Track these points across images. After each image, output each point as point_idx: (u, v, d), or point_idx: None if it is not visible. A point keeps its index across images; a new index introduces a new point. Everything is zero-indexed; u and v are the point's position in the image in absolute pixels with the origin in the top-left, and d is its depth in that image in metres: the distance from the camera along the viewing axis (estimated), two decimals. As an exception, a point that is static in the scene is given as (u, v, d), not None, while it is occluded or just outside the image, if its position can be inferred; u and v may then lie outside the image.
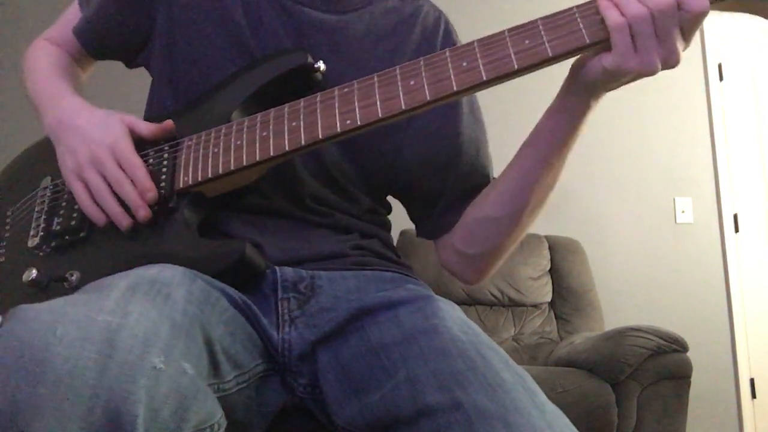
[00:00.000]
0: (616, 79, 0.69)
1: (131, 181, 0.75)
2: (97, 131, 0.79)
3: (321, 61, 0.81)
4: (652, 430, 2.16)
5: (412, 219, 0.93)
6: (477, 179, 0.89)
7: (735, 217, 3.37)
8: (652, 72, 0.66)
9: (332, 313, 0.74)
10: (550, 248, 2.94)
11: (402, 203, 0.93)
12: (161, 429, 0.49)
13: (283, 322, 0.73)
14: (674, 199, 3.31)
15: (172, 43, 0.86)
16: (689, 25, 0.66)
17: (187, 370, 0.53)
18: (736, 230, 3.36)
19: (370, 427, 0.64)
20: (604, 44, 0.68)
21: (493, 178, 0.90)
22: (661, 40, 0.65)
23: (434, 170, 0.88)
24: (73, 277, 0.76)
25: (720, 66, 3.45)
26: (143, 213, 0.75)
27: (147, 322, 0.53)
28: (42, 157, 0.89)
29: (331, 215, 0.83)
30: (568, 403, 2.04)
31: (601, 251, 3.10)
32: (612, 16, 0.66)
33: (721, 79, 3.44)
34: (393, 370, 0.65)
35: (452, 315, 0.71)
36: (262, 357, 0.71)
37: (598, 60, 0.68)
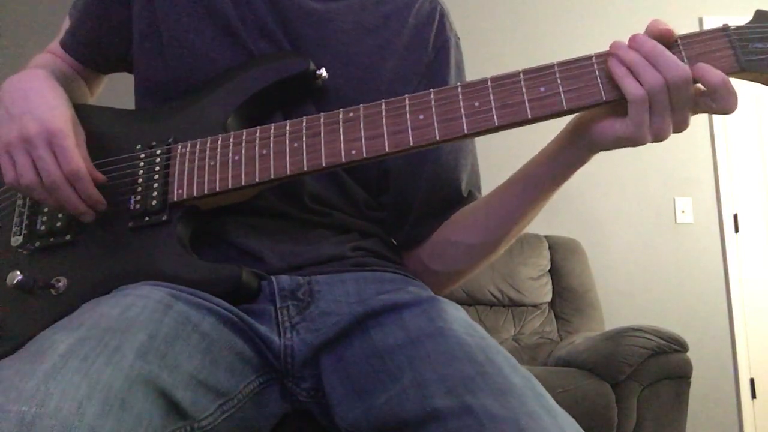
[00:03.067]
0: (626, 145, 0.67)
1: (67, 179, 0.72)
2: (44, 108, 0.75)
3: (323, 69, 0.78)
4: (652, 430, 2.16)
5: (388, 229, 0.89)
6: (447, 191, 0.86)
7: (735, 217, 3.37)
8: (663, 139, 0.65)
9: (335, 318, 0.72)
10: (550, 248, 2.94)
11: (380, 203, 0.89)
12: None
13: (284, 329, 0.72)
14: (674, 199, 3.31)
15: (156, 37, 0.82)
16: (708, 110, 0.64)
17: None
18: (736, 230, 3.36)
19: (376, 431, 0.63)
20: (621, 102, 0.65)
21: (470, 193, 0.88)
22: (675, 111, 0.64)
23: (411, 173, 0.85)
24: (60, 284, 0.74)
25: (720, 66, 3.44)
26: (89, 218, 0.74)
27: (70, 404, 0.50)
28: None
29: (330, 214, 0.81)
30: (568, 403, 2.02)
31: (601, 251, 3.10)
32: (631, 88, 0.63)
33: (721, 79, 3.43)
34: (399, 374, 0.63)
35: (457, 317, 0.70)
36: (257, 371, 0.69)
37: (611, 126, 0.67)
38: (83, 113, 0.82)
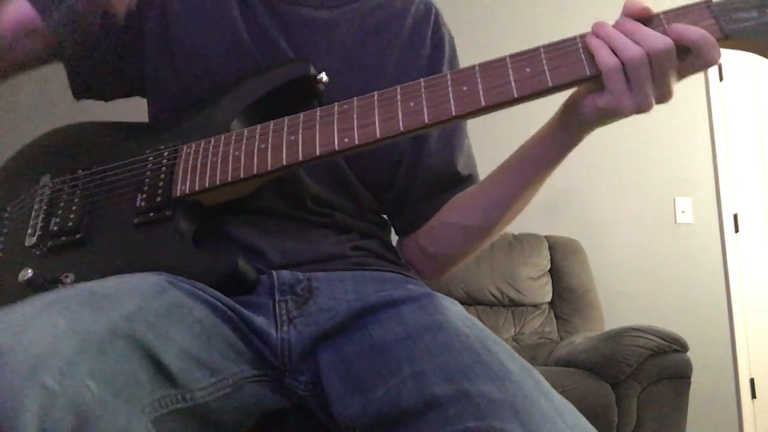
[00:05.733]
0: (611, 118, 0.70)
1: None
2: None
3: (323, 73, 0.81)
4: (652, 430, 2.16)
5: (387, 215, 0.92)
6: (442, 169, 0.89)
7: (735, 217, 3.37)
8: (646, 110, 0.67)
9: (332, 313, 0.73)
10: (550, 248, 2.94)
11: (382, 199, 0.91)
12: None
13: (282, 323, 0.73)
14: (674, 199, 3.31)
15: (169, 50, 0.85)
16: (694, 70, 0.67)
17: (91, 388, 0.51)
18: (736, 230, 3.36)
19: (375, 423, 0.64)
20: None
21: (470, 176, 0.91)
22: (657, 81, 0.66)
23: (411, 157, 0.88)
24: (68, 279, 0.75)
25: (720, 66, 3.43)
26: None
27: (46, 338, 0.51)
28: (43, 153, 0.89)
29: (331, 215, 0.83)
30: (568, 403, 2.04)
31: (601, 251, 3.10)
32: (604, 59, 0.66)
33: (721, 79, 3.44)
34: (397, 367, 0.64)
35: (454, 311, 0.70)
36: (250, 364, 0.70)
37: (592, 99, 0.69)
38: (97, 128, 0.87)
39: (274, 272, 0.76)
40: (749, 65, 3.48)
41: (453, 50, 0.94)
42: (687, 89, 3.56)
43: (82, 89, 0.90)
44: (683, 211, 3.31)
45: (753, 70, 3.49)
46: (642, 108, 0.67)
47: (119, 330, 0.56)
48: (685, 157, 3.32)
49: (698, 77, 3.43)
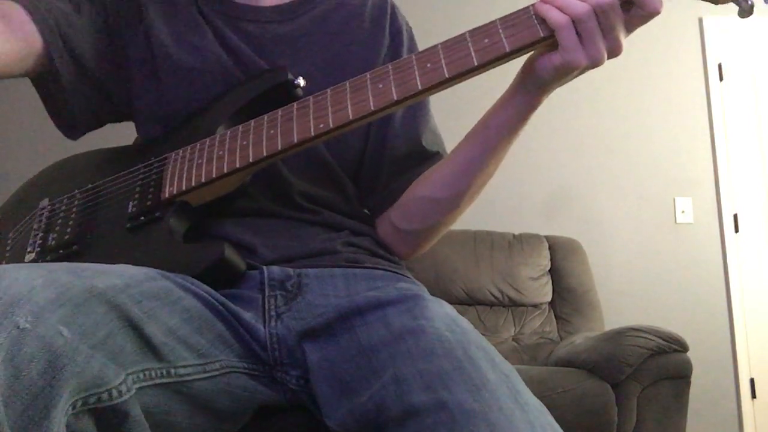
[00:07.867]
0: (567, 74, 0.72)
1: None
2: None
3: (300, 78, 0.84)
4: (652, 430, 2.16)
5: (361, 196, 0.94)
6: (408, 145, 0.92)
7: (735, 217, 3.37)
8: (599, 63, 0.70)
9: (320, 310, 0.75)
10: (550, 248, 2.94)
11: (357, 181, 0.94)
12: (28, 387, 0.49)
13: (270, 318, 0.74)
14: (674, 199, 3.31)
15: (155, 74, 0.88)
16: (640, 21, 0.70)
17: (64, 334, 0.53)
18: (736, 230, 3.36)
19: (363, 428, 0.65)
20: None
21: (437, 153, 0.93)
22: (606, 34, 0.69)
23: (378, 139, 0.91)
24: None
25: (720, 66, 3.44)
26: None
27: (23, 285, 0.53)
28: (43, 182, 0.94)
29: (321, 213, 0.85)
30: (568, 403, 2.04)
31: (601, 251, 3.10)
32: (554, 17, 0.69)
33: (721, 79, 3.44)
34: (381, 371, 0.65)
35: (440, 314, 0.71)
36: (239, 357, 0.71)
37: (548, 59, 0.72)
38: (96, 154, 0.92)
39: (264, 267, 0.78)
40: (749, 65, 3.49)
41: (411, 38, 0.99)
42: (687, 89, 3.57)
43: (72, 120, 0.91)
44: (683, 211, 3.31)
45: (753, 70, 3.50)
46: (595, 61, 0.70)
47: (99, 294, 0.58)
48: (685, 157, 3.32)
49: (698, 77, 3.45)
